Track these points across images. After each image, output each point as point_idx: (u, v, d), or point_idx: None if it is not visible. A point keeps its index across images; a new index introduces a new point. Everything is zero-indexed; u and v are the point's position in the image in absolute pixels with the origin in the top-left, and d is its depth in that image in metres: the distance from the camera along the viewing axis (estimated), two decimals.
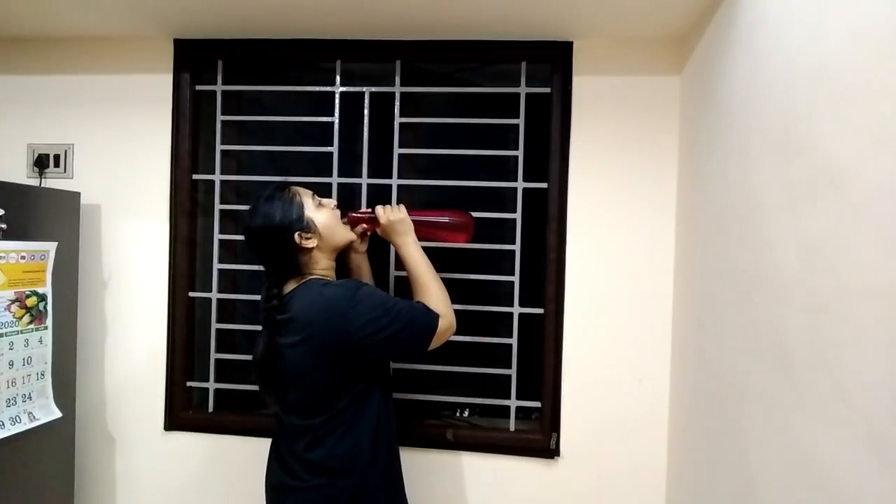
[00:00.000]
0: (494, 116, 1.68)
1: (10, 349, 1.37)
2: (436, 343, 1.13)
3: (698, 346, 1.38)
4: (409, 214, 1.27)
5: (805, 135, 0.90)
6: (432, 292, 1.16)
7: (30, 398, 1.43)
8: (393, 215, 1.24)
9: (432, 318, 1.12)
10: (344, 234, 1.24)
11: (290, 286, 1.19)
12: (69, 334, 1.61)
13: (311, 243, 1.17)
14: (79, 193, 1.64)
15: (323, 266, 1.21)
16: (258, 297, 1.26)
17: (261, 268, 1.69)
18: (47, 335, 1.48)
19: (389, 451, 1.24)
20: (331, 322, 1.09)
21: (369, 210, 1.30)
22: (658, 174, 1.59)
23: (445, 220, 1.32)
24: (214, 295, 1.74)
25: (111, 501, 1.75)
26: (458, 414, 1.77)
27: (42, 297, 1.45)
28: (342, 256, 1.33)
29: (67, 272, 1.58)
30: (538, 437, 1.63)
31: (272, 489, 1.23)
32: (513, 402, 1.66)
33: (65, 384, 1.57)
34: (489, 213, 1.67)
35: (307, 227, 1.17)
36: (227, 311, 1.79)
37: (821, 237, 0.84)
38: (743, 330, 1.12)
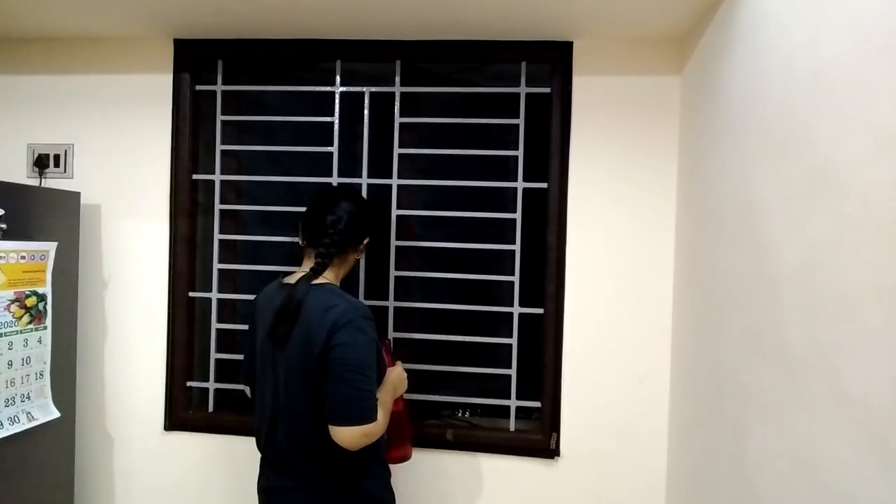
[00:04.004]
0: (494, 116, 1.68)
1: (10, 349, 1.37)
2: (350, 434, 1.07)
3: (698, 346, 1.38)
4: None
5: (805, 135, 0.90)
6: (383, 413, 1.15)
7: (28, 398, 1.43)
8: (402, 376, 1.35)
9: (371, 413, 1.09)
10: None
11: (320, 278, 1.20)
12: (69, 334, 1.61)
13: (358, 255, 1.30)
14: (79, 193, 1.64)
15: (336, 275, 1.26)
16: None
17: (260, 268, 1.71)
18: (46, 335, 1.47)
19: (380, 455, 1.24)
20: (323, 325, 1.10)
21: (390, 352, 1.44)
22: (658, 174, 1.59)
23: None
24: (214, 295, 1.74)
25: (111, 501, 1.75)
26: (458, 414, 1.77)
27: (42, 297, 1.45)
28: None
29: (67, 272, 1.58)
30: (538, 437, 1.63)
31: (262, 491, 1.23)
32: (513, 402, 1.66)
33: (65, 384, 1.57)
34: (489, 213, 1.67)
35: (365, 246, 1.32)
36: (227, 311, 1.79)
37: (821, 237, 0.84)
38: (743, 330, 1.12)
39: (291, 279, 1.20)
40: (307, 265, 1.21)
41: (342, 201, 1.24)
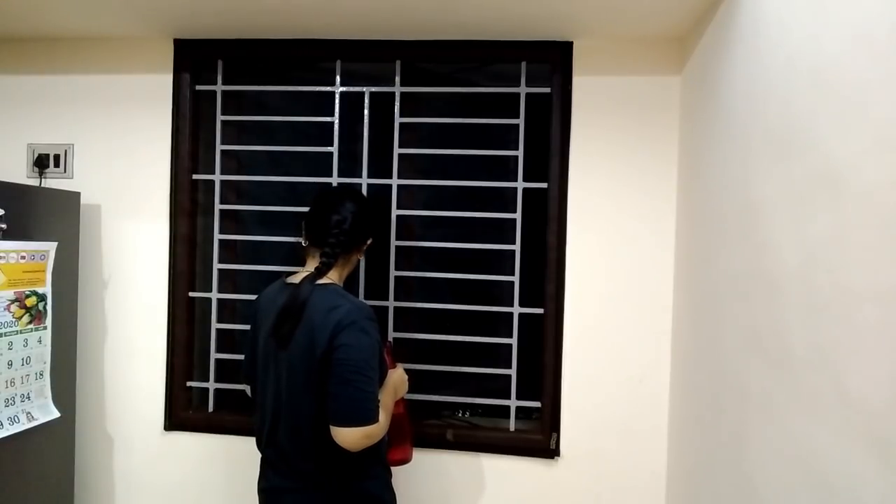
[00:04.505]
0: (494, 116, 1.68)
1: (10, 349, 1.37)
2: (351, 435, 1.07)
3: (698, 347, 1.38)
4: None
5: (805, 135, 0.90)
6: (385, 414, 1.16)
7: (28, 398, 1.43)
8: (403, 378, 1.35)
9: (373, 414, 1.09)
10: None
11: (324, 278, 1.19)
12: (69, 334, 1.61)
13: (360, 255, 1.31)
14: (79, 193, 1.64)
15: (339, 275, 1.25)
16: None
17: (260, 268, 1.72)
18: (46, 335, 1.47)
19: (381, 455, 1.24)
20: (327, 325, 1.10)
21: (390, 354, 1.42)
22: (658, 174, 1.59)
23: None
24: (214, 295, 1.74)
25: (111, 501, 1.75)
26: (458, 414, 1.77)
27: (42, 297, 1.45)
28: None
29: (67, 272, 1.57)
30: (538, 437, 1.63)
31: (262, 492, 1.23)
32: (513, 402, 1.66)
33: (65, 384, 1.57)
34: (489, 213, 1.67)
35: (366, 248, 1.32)
36: (227, 311, 1.79)
37: (821, 237, 0.84)
38: (743, 330, 1.12)
39: (295, 279, 1.20)
40: (311, 265, 1.21)
41: (347, 201, 1.24)
